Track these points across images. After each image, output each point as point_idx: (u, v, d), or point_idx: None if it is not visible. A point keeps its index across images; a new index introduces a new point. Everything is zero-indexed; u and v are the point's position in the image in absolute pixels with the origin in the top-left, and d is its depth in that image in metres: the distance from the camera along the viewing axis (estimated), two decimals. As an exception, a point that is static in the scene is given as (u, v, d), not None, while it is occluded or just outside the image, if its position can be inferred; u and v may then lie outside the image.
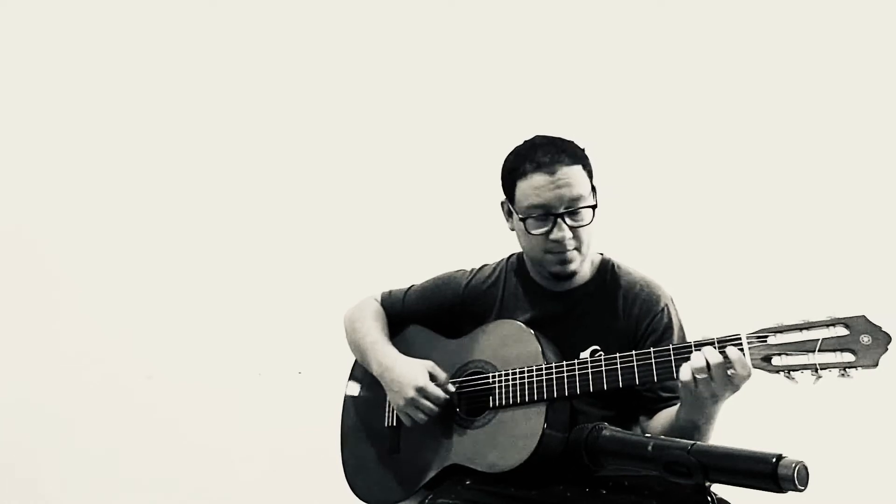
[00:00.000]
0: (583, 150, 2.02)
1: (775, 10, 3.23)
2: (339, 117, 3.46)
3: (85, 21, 3.59)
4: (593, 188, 2.00)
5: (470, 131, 3.27)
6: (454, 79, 3.41)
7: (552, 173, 1.93)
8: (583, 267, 2.06)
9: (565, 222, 1.93)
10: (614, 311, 2.03)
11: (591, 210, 1.96)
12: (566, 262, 1.98)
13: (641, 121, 3.26)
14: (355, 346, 2.28)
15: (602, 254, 2.13)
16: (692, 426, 1.78)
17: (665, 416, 1.91)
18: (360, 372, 2.30)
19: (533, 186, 1.95)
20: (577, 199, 1.94)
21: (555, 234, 1.94)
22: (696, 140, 3.23)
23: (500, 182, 2.08)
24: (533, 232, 1.97)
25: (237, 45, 3.55)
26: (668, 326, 2.00)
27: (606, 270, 2.08)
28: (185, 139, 3.52)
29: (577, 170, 1.95)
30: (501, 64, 3.37)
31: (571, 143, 2.01)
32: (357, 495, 2.21)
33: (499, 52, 3.39)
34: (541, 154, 1.96)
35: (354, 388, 2.34)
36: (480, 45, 3.41)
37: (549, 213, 1.94)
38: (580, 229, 1.95)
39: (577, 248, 1.98)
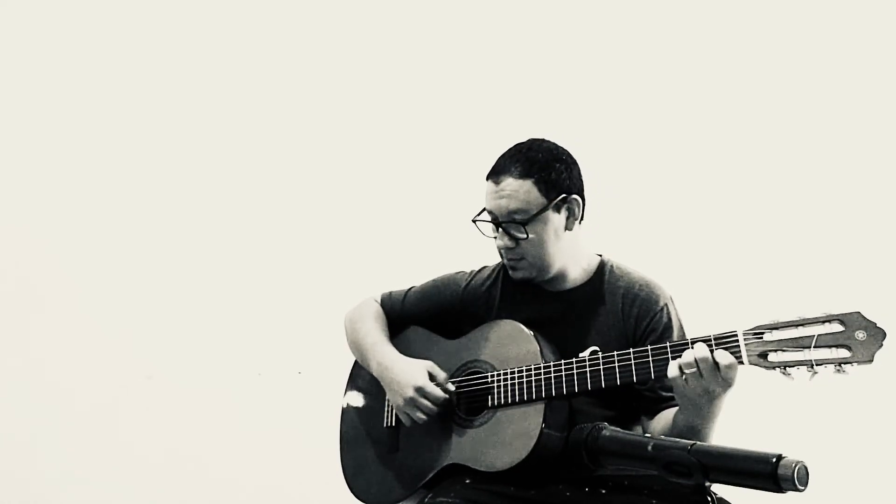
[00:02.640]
0: (552, 163, 2.02)
1: (773, 10, 3.23)
2: (339, 119, 3.46)
3: (83, 21, 3.59)
4: (555, 205, 2.00)
5: (470, 133, 3.27)
6: (455, 80, 3.41)
7: (497, 182, 2.02)
8: (581, 266, 2.09)
9: (506, 232, 2.01)
10: (613, 312, 2.03)
11: (523, 226, 1.98)
12: (514, 269, 2.07)
13: (639, 121, 3.26)
14: (355, 347, 2.29)
15: (601, 255, 2.14)
16: (690, 428, 1.78)
17: (665, 418, 1.91)
18: (360, 372, 2.31)
19: (486, 191, 2.05)
20: (514, 212, 1.99)
21: (497, 241, 2.05)
22: (692, 139, 3.23)
23: None
24: (484, 233, 2.06)
25: (236, 46, 3.55)
26: (668, 326, 2.00)
27: (604, 271, 2.09)
28: (184, 140, 3.52)
29: (523, 184, 1.99)
30: (502, 65, 3.37)
31: (541, 154, 2.03)
32: (356, 495, 2.22)
33: (500, 53, 3.39)
34: (500, 161, 2.06)
35: (354, 389, 2.34)
36: (481, 45, 3.41)
37: (494, 220, 2.03)
38: (522, 242, 2.00)
39: (524, 259, 2.03)
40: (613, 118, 3.25)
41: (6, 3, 3.62)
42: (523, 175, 1.99)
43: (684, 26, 3.31)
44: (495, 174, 2.03)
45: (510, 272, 2.09)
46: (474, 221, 2.06)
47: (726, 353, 1.66)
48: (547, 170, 2.01)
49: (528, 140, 2.09)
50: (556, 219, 2.02)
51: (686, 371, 1.69)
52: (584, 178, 2.08)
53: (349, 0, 3.53)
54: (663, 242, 3.05)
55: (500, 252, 2.07)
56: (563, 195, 2.02)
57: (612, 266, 2.10)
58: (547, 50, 3.36)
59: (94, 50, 3.58)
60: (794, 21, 3.22)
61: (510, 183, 1.99)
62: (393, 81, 3.47)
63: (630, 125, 3.26)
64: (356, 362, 2.33)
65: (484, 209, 2.06)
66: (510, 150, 2.07)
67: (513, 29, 3.41)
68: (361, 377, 2.30)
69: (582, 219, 2.08)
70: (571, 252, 2.07)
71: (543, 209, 1.99)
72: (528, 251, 2.01)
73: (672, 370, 1.71)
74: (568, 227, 2.05)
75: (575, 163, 2.07)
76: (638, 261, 2.13)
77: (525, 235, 1.99)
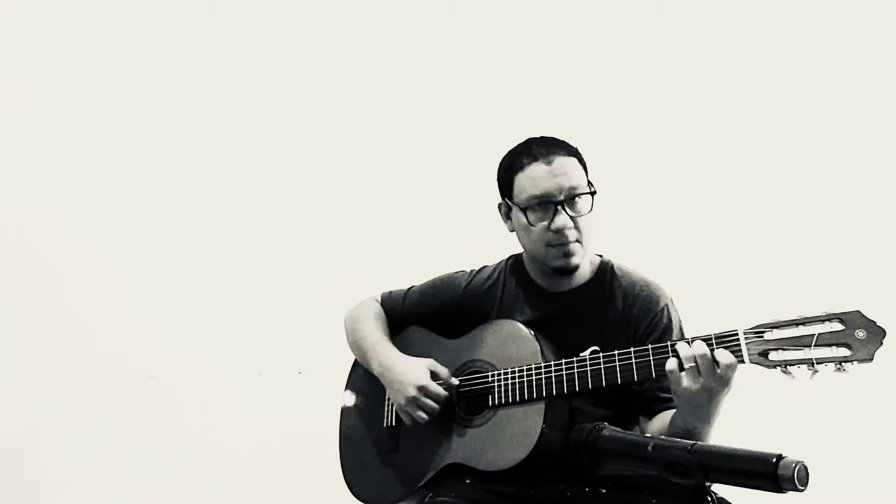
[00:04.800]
0: (575, 148, 2.06)
1: (773, 10, 3.23)
2: (339, 118, 3.47)
3: (86, 20, 3.59)
4: (590, 182, 2.03)
5: (469, 133, 3.28)
6: (454, 81, 3.41)
7: (549, 163, 1.98)
8: (582, 266, 2.07)
9: (566, 211, 1.96)
10: (614, 312, 2.03)
11: (590, 198, 1.99)
12: (569, 254, 2.00)
13: (638, 121, 3.27)
14: (356, 347, 2.29)
15: (601, 255, 2.14)
16: (687, 432, 1.77)
17: (662, 420, 1.91)
18: (360, 372, 2.31)
19: (531, 177, 1.99)
20: (575, 187, 1.98)
21: (556, 223, 1.96)
22: (692, 139, 3.24)
23: (497, 184, 2.12)
24: (534, 223, 1.99)
25: (237, 46, 3.55)
26: (668, 327, 2.00)
27: (606, 271, 2.09)
28: (185, 139, 3.52)
29: (573, 161, 2.01)
30: (501, 65, 3.38)
31: (564, 141, 2.06)
32: (356, 495, 2.22)
33: (498, 54, 3.40)
34: (536, 148, 2.02)
35: (353, 389, 2.34)
36: (480, 46, 3.42)
37: (549, 202, 1.97)
38: (580, 219, 1.98)
39: (579, 240, 1.99)
40: (612, 119, 3.26)
41: (6, 3, 3.62)
42: (570, 154, 2.02)
43: (682, 27, 3.31)
44: (544, 156, 1.99)
45: (563, 260, 2.00)
46: (524, 210, 2.00)
47: (726, 351, 1.66)
48: (580, 153, 2.05)
49: (530, 138, 2.09)
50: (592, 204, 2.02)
51: (685, 366, 1.69)
52: None
53: (351, 0, 3.54)
54: (663, 243, 3.06)
55: (551, 239, 1.98)
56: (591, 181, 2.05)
57: (612, 266, 2.10)
58: (545, 51, 3.37)
59: (92, 51, 3.58)
60: (793, 21, 3.22)
61: (563, 161, 1.99)
62: (392, 82, 3.47)
63: (629, 126, 3.26)
64: (356, 362, 2.34)
65: (528, 198, 2.00)
66: (535, 140, 2.06)
67: (511, 32, 3.41)
68: (361, 377, 2.30)
69: None
70: None
71: (591, 185, 2.01)
72: (585, 230, 1.99)
73: (670, 365, 1.70)
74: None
75: None
76: (638, 261, 2.14)
77: (591, 208, 1.98)
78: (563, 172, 1.97)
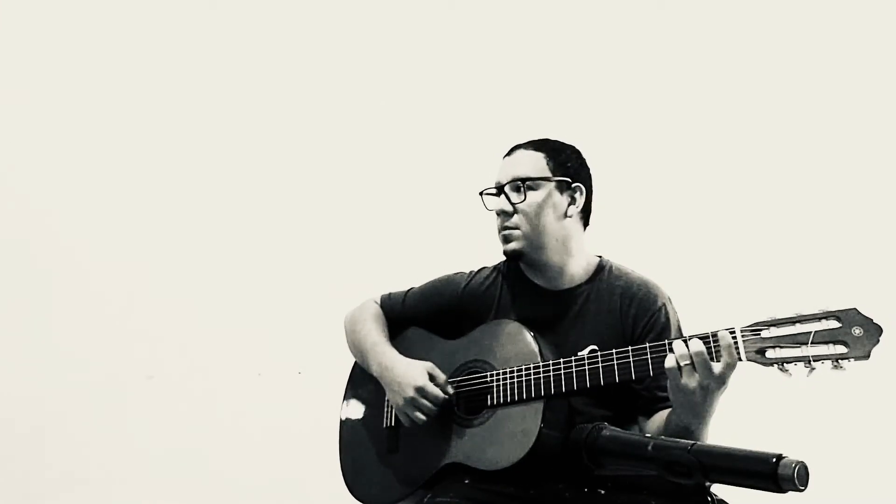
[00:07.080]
0: (565, 149, 2.12)
1: (773, 10, 3.24)
2: (340, 119, 3.48)
3: (86, 20, 3.60)
4: (559, 183, 2.06)
5: (470, 135, 3.29)
6: (456, 83, 3.42)
7: (511, 155, 2.12)
8: (579, 265, 2.08)
9: (506, 197, 2.06)
10: (612, 312, 2.03)
11: (522, 186, 2.04)
12: (507, 239, 2.08)
13: (636, 122, 3.27)
14: (355, 348, 2.29)
15: (600, 256, 2.14)
16: (684, 429, 1.77)
17: (660, 418, 1.91)
18: (360, 373, 2.31)
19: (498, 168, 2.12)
20: (519, 176, 2.06)
21: (496, 205, 2.08)
22: (689, 138, 3.25)
23: None
24: (487, 206, 2.11)
25: (238, 47, 3.56)
26: (666, 326, 2.00)
27: (603, 271, 2.09)
28: (185, 140, 3.53)
29: (534, 154, 2.09)
30: (503, 68, 3.40)
31: (556, 141, 2.13)
32: (355, 496, 2.22)
33: (501, 56, 3.41)
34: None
35: (353, 390, 2.34)
36: (483, 48, 3.43)
37: (497, 188, 2.09)
38: (525, 208, 2.04)
39: (519, 227, 2.05)
40: (612, 119, 3.26)
41: (6, 3, 3.62)
42: (536, 148, 2.10)
43: (682, 27, 3.32)
44: (511, 151, 2.12)
45: (503, 244, 2.10)
46: (481, 194, 2.12)
47: (731, 344, 1.66)
48: (559, 152, 2.10)
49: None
50: (559, 199, 2.06)
51: (681, 363, 1.69)
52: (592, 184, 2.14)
53: (351, 1, 3.54)
54: (662, 242, 3.06)
55: (497, 223, 2.09)
56: (569, 179, 2.06)
57: (611, 266, 2.11)
58: (546, 53, 3.38)
59: (95, 52, 3.59)
60: (792, 21, 3.23)
61: (522, 153, 2.09)
62: (394, 83, 3.48)
63: (628, 126, 3.27)
64: (356, 363, 2.34)
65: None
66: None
67: (514, 33, 3.42)
68: (361, 378, 2.30)
69: (587, 224, 2.13)
70: (570, 245, 2.08)
71: (547, 180, 2.05)
72: (524, 221, 2.05)
73: (669, 361, 1.71)
74: (568, 214, 2.07)
75: (585, 163, 2.14)
76: (636, 260, 2.14)
77: (523, 197, 2.03)
78: (515, 162, 2.09)
